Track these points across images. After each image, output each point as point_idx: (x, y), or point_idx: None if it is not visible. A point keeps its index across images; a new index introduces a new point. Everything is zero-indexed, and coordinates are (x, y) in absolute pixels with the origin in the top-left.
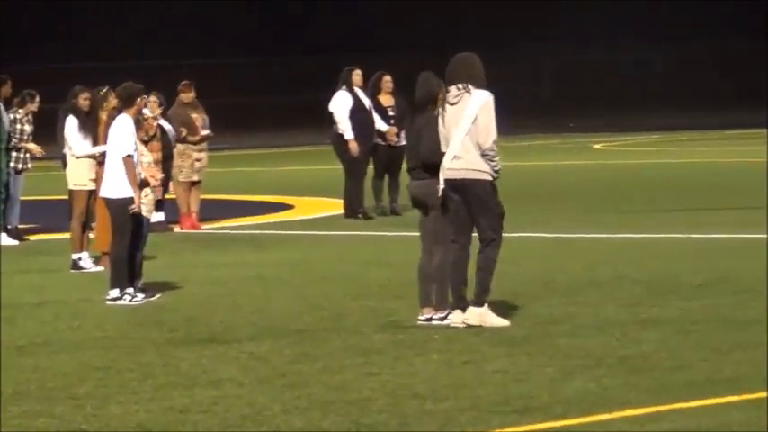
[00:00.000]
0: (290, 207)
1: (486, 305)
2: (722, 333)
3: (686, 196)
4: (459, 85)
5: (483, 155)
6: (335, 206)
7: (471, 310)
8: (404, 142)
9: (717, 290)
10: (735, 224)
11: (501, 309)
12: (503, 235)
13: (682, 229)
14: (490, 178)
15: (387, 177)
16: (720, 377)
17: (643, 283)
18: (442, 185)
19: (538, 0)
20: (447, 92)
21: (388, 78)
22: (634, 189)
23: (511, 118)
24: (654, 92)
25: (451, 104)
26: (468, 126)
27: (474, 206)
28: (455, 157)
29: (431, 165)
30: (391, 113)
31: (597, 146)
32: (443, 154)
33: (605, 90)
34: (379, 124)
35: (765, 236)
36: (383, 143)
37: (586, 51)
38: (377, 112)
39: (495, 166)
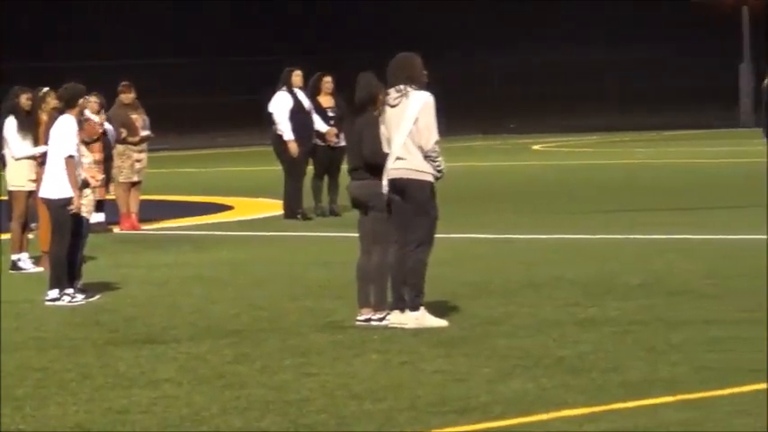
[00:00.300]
0: (229, 208)
1: (422, 308)
2: (659, 334)
3: (624, 197)
4: (400, 87)
5: (426, 156)
6: (275, 207)
7: (408, 314)
8: (343, 143)
9: (654, 291)
10: (672, 225)
11: (439, 310)
12: (435, 237)
13: (619, 229)
14: (432, 179)
15: (326, 178)
16: (657, 377)
17: (581, 283)
18: (385, 187)
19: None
20: (387, 93)
21: (327, 79)
22: (573, 190)
23: (450, 119)
24: (593, 93)
25: (392, 106)
26: (409, 128)
27: (412, 207)
28: (397, 158)
29: (372, 165)
30: (331, 114)
31: (536, 147)
32: (385, 155)
33: (544, 91)
34: (319, 125)
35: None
36: (322, 144)
37: (526, 53)
38: (316, 112)
39: (439, 167)
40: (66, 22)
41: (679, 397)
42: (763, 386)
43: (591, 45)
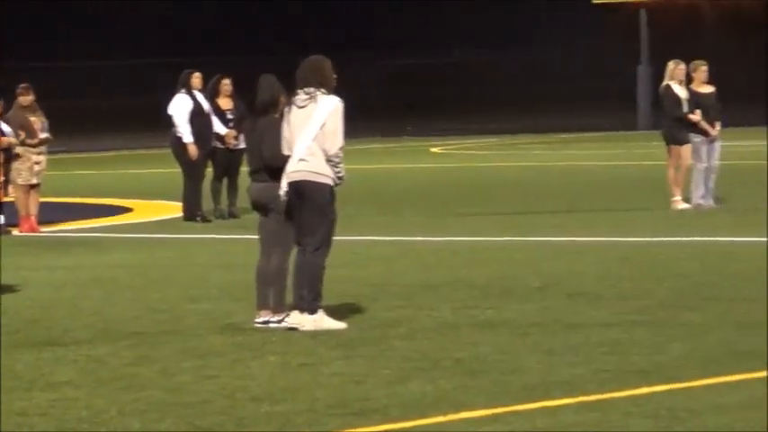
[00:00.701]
0: (128, 210)
1: (320, 311)
2: (557, 336)
3: (522, 199)
4: (309, 90)
5: (328, 160)
6: (174, 209)
7: (306, 317)
8: (242, 145)
9: (551, 293)
10: (569, 227)
11: (338, 312)
12: (332, 241)
13: (518, 231)
14: (332, 183)
15: (225, 180)
16: (556, 379)
17: (479, 285)
18: (284, 189)
19: (378, 2)
20: (295, 95)
21: (226, 81)
22: (471, 192)
23: (348, 121)
24: (491, 95)
25: (299, 108)
26: (315, 131)
27: (310, 210)
28: (299, 160)
29: (273, 168)
30: (230, 116)
31: (435, 149)
32: (286, 157)
33: (443, 93)
34: (218, 127)
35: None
36: (222, 146)
37: (423, 55)
38: (215, 115)
39: (339, 173)
40: None
41: (577, 399)
42: (659, 388)
43: (488, 47)
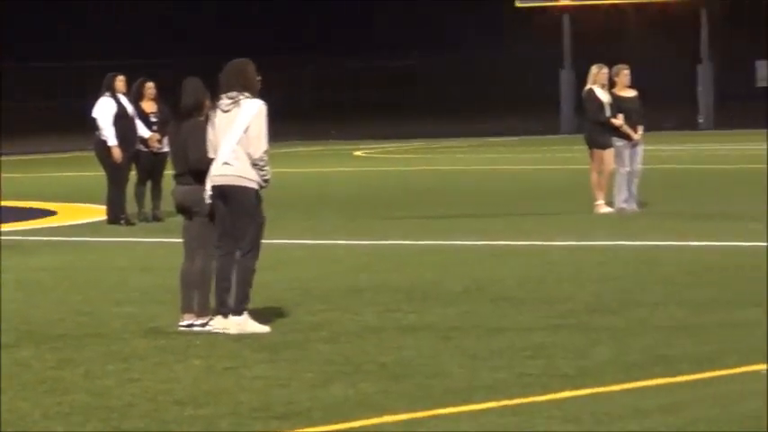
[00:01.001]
0: (52, 213)
1: (245, 313)
2: (481, 340)
3: (446, 203)
4: (233, 94)
5: (253, 164)
6: (98, 212)
7: (231, 319)
8: (166, 149)
9: (475, 297)
10: (492, 231)
11: (262, 315)
12: (261, 244)
13: (441, 235)
14: (257, 187)
15: (149, 183)
16: (479, 384)
17: (402, 289)
18: (209, 192)
19: (288, 3)
20: (219, 99)
21: (150, 84)
22: (395, 196)
23: (272, 125)
24: (415, 99)
25: (224, 111)
26: (239, 135)
27: (237, 214)
28: (224, 164)
29: (198, 171)
30: (154, 119)
31: (358, 153)
32: (211, 161)
33: (366, 97)
34: (142, 131)
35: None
36: (145, 149)
37: (346, 59)
38: (139, 118)
39: (265, 176)
40: None
41: (500, 403)
42: (582, 392)
43: (414, 51)
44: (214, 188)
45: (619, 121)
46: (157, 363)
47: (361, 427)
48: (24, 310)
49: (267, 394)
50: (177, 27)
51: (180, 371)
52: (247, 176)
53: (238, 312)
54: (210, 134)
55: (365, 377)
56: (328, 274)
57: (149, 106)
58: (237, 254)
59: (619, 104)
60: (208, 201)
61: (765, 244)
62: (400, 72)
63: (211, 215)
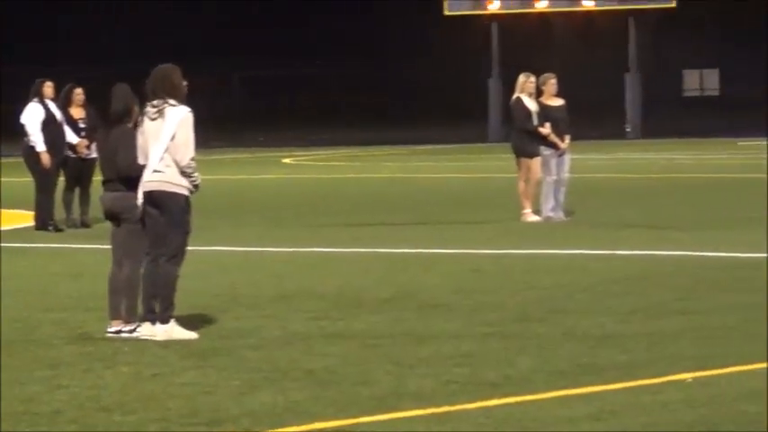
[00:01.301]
0: None
1: (172, 320)
2: (407, 347)
3: (374, 211)
4: (158, 101)
5: (181, 172)
6: (26, 218)
7: (158, 327)
8: (94, 155)
9: (402, 304)
10: (420, 239)
11: (189, 322)
12: (186, 251)
13: (369, 243)
14: (187, 193)
15: (77, 190)
16: (406, 391)
17: (330, 297)
18: (140, 199)
19: (233, 13)
20: (147, 106)
21: (78, 91)
22: (322, 203)
23: (200, 131)
24: (346, 106)
25: (151, 119)
26: (166, 143)
27: (166, 220)
28: (154, 171)
29: (128, 178)
30: (82, 126)
31: (286, 160)
32: (141, 167)
33: (295, 104)
34: (70, 137)
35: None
36: (74, 155)
37: (275, 66)
38: (68, 124)
39: (195, 181)
40: None
41: (427, 410)
42: (509, 400)
43: (343, 58)
44: (145, 194)
45: (546, 130)
46: (85, 369)
47: None
48: None
49: (195, 401)
50: (107, 32)
51: (108, 377)
52: (177, 182)
53: (165, 320)
54: (141, 140)
55: (292, 384)
56: (256, 281)
57: (78, 112)
58: (162, 260)
59: (546, 113)
60: (140, 207)
61: (690, 253)
62: (330, 79)
63: (143, 221)
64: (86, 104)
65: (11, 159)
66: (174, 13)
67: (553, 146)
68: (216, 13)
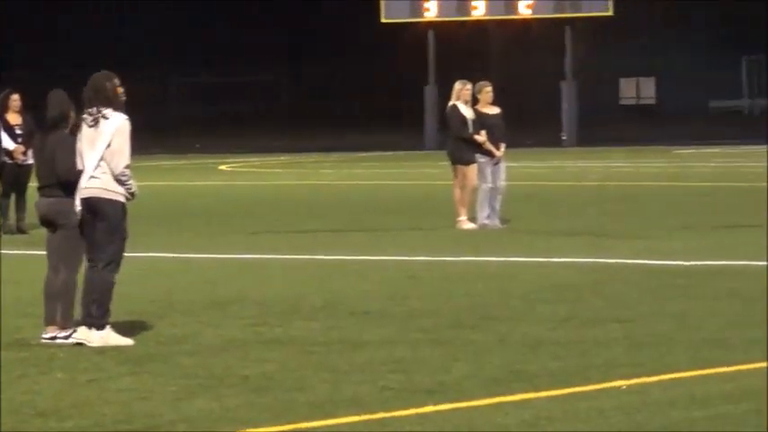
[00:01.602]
0: None
1: (108, 326)
2: (342, 354)
3: (311, 217)
4: (94, 109)
5: (116, 179)
6: None
7: (94, 333)
8: (31, 161)
9: (337, 311)
10: (354, 245)
11: (125, 328)
12: (123, 257)
13: (304, 249)
14: (123, 200)
15: (13, 195)
16: (341, 397)
17: (266, 303)
18: (78, 206)
19: (162, 22)
20: (84, 112)
21: (15, 97)
22: (259, 210)
23: (137, 138)
24: (282, 113)
25: (89, 127)
26: (102, 150)
27: (102, 226)
28: (91, 177)
29: (66, 183)
30: (18, 131)
31: (223, 167)
32: (79, 173)
33: (232, 111)
34: (6, 143)
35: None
36: (10, 161)
37: (213, 73)
38: (4, 130)
39: (130, 188)
40: None
41: (362, 417)
42: (444, 407)
43: (279, 64)
44: (82, 201)
45: (481, 137)
46: (21, 375)
47: None
48: None
49: (130, 407)
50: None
51: (43, 383)
52: (114, 189)
53: (101, 326)
54: (79, 146)
55: (228, 390)
56: (192, 288)
57: (14, 118)
58: (99, 266)
59: (482, 121)
60: (78, 213)
61: (624, 260)
62: (267, 86)
63: (81, 227)
64: (23, 110)
65: None
66: (116, 18)
67: (489, 154)
68: (158, 20)
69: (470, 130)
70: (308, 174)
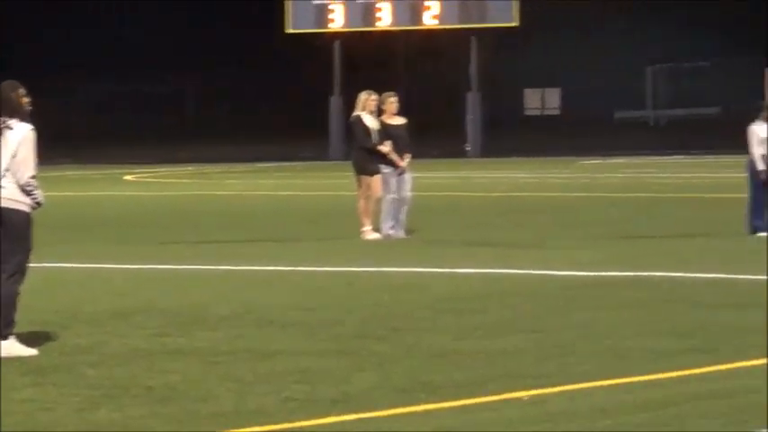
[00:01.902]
0: None
1: (11, 337)
2: (247, 364)
3: (214, 228)
4: (0, 119)
5: (21, 189)
6: None
7: None
8: None
9: (242, 321)
10: (260, 256)
11: (29, 338)
12: (28, 268)
13: (209, 260)
14: (29, 210)
15: None
16: (245, 408)
17: (170, 313)
18: None
19: (83, 29)
20: None
21: None
22: (163, 220)
23: (43, 148)
24: (188, 124)
25: None
26: (7, 160)
27: (8, 236)
28: None
29: None
30: None
31: (128, 177)
32: None
33: (139, 121)
34: None
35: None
36: None
37: (120, 82)
38: None
39: (36, 198)
40: None
41: (266, 427)
42: (348, 417)
43: (182, 74)
44: None
45: (386, 148)
46: None
47: None
48: None
49: (33, 417)
50: None
51: None
52: (20, 199)
53: (4, 337)
54: None
55: (132, 401)
56: (96, 298)
57: None
58: (3, 277)
59: (387, 132)
60: None
61: (530, 271)
62: (171, 96)
63: None
64: None
65: None
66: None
67: (393, 164)
68: (65, 31)
69: (375, 140)
70: (215, 184)
